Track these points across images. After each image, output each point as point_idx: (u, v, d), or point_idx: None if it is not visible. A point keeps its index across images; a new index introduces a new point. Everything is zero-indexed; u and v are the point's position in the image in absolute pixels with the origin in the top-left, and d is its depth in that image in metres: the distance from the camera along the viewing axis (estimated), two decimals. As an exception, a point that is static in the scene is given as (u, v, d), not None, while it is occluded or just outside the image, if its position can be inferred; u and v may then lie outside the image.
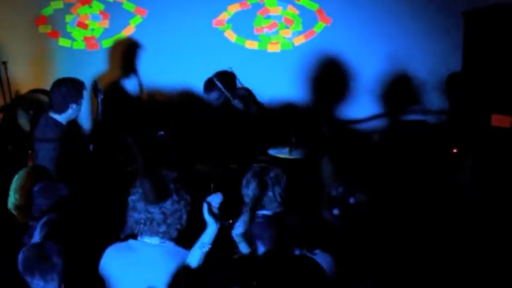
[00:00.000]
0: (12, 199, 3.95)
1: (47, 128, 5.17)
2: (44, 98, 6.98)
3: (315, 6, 7.23)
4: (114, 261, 3.39)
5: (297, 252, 3.45)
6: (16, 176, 4.05)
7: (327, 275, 3.05)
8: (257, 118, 6.21)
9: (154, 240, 3.40)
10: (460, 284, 3.91)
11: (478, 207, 4.24)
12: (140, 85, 7.35)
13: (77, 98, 5.18)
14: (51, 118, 5.20)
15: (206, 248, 3.22)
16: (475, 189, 4.26)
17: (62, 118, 5.17)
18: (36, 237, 3.33)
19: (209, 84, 6.16)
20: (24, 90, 7.26)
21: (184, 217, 3.40)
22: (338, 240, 3.46)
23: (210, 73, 6.87)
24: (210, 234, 3.23)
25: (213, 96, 6.14)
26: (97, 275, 3.36)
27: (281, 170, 3.96)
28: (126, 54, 7.32)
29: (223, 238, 3.57)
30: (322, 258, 3.28)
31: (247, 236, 3.58)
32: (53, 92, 5.23)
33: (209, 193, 3.31)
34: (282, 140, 5.99)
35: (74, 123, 5.42)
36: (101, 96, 5.41)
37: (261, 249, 3.46)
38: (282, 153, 5.89)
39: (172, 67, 7.28)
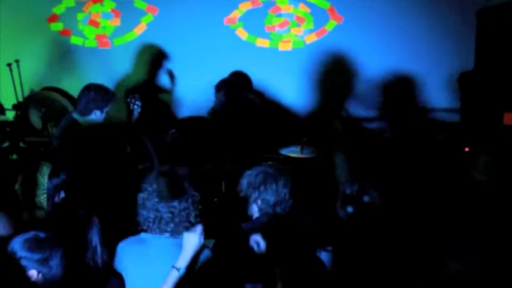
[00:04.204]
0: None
1: (64, 128, 5.17)
2: (56, 96, 7.01)
3: (326, 5, 7.21)
4: (127, 255, 3.41)
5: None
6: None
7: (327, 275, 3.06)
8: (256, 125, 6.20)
9: (164, 236, 3.42)
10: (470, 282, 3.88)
11: (493, 206, 4.22)
12: (154, 84, 7.36)
13: (102, 106, 5.15)
14: (72, 119, 5.19)
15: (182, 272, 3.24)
16: (490, 188, 4.23)
17: (82, 121, 5.16)
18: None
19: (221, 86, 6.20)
20: (36, 88, 7.30)
21: (193, 214, 3.40)
22: (350, 237, 3.45)
23: (220, 71, 6.89)
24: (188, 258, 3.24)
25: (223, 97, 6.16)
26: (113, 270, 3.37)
27: (283, 172, 3.88)
28: (140, 54, 7.33)
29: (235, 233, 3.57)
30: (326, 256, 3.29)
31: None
32: (80, 94, 5.22)
33: (220, 192, 3.29)
34: (293, 139, 5.98)
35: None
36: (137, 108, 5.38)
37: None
38: (293, 152, 5.89)
39: (183, 65, 7.29)
